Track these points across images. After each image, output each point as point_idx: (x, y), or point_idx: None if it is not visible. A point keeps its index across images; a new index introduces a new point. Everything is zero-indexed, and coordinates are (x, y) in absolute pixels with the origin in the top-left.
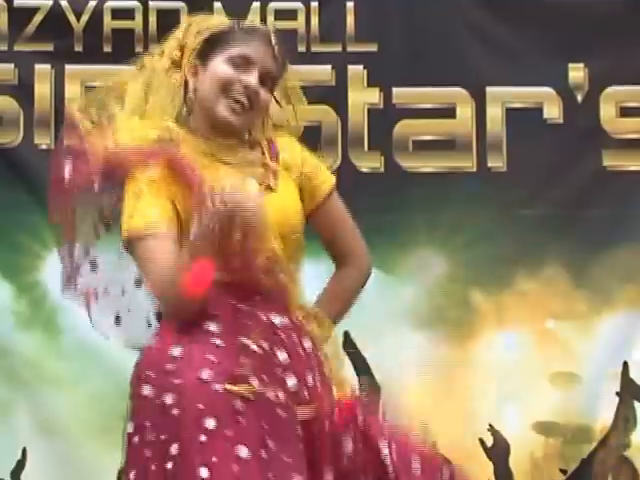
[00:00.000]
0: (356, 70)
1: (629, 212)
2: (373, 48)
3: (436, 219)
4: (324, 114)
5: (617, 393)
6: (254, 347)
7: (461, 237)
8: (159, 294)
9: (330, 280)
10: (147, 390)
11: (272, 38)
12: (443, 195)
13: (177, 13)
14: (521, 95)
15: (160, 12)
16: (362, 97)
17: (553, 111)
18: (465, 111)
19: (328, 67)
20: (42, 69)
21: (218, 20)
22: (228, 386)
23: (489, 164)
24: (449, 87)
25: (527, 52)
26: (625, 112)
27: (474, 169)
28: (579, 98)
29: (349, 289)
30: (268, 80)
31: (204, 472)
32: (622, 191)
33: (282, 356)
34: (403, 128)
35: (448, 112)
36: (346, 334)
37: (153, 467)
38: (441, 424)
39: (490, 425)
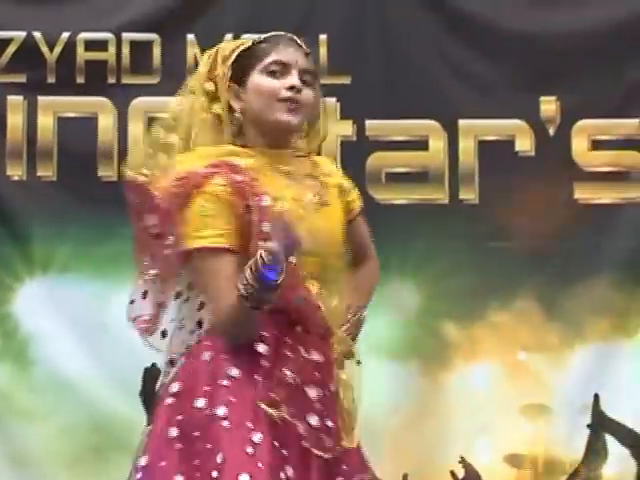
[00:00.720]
0: (329, 102)
1: (600, 245)
2: (346, 80)
3: (408, 251)
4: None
5: (588, 425)
6: (289, 379)
7: (433, 269)
8: (220, 320)
9: (355, 277)
10: (201, 402)
11: (298, 40)
12: (415, 227)
13: (150, 45)
14: (493, 128)
15: (133, 44)
16: (335, 129)
17: (525, 144)
18: (438, 143)
19: None
20: (14, 100)
21: (237, 42)
22: (263, 405)
23: (461, 196)
24: (422, 120)
25: (499, 85)
26: (596, 145)
27: (446, 201)
28: (551, 131)
29: (372, 281)
30: (308, 78)
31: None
32: (593, 224)
33: (312, 393)
34: (376, 160)
35: (421, 144)
36: None
37: (198, 474)
38: (413, 455)
39: (461, 457)
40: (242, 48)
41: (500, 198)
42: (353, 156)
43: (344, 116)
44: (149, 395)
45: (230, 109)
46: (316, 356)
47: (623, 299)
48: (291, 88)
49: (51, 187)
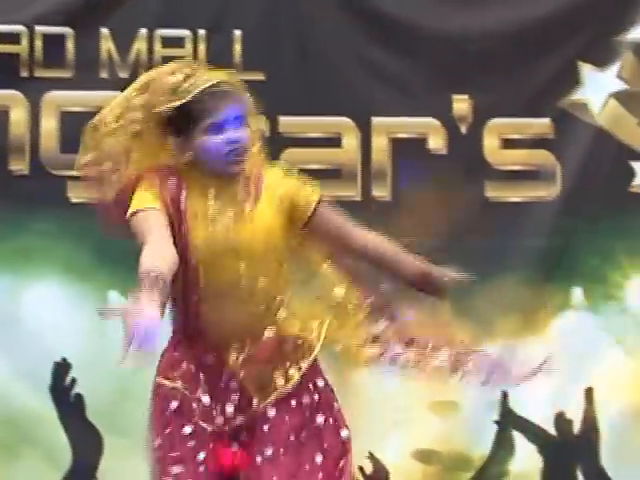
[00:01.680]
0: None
1: (510, 243)
2: (260, 77)
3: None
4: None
5: (496, 422)
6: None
7: None
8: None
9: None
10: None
11: (233, 89)
12: None
13: (63, 38)
14: (406, 126)
15: (46, 37)
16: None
17: (437, 142)
18: (351, 141)
19: None
20: None
21: (174, 86)
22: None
23: (374, 193)
24: (335, 117)
25: (413, 83)
26: (508, 144)
27: (359, 198)
28: (463, 129)
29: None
30: (243, 122)
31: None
32: (503, 222)
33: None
34: (289, 157)
35: (334, 142)
36: None
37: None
38: None
39: (370, 453)
40: (180, 102)
41: (412, 196)
42: (266, 152)
43: (258, 112)
44: (59, 390)
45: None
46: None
47: (532, 297)
48: (230, 142)
49: None
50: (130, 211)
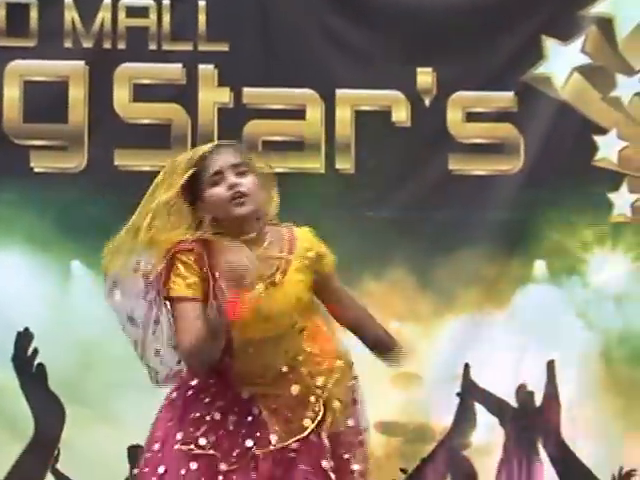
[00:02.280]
0: (207, 69)
1: (473, 216)
2: (224, 48)
3: (282, 219)
4: (174, 113)
5: (458, 394)
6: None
7: None
8: (183, 354)
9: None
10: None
11: (228, 145)
12: (290, 196)
13: (27, 7)
14: (370, 98)
15: (9, 5)
16: (212, 96)
17: (401, 115)
18: (315, 113)
19: (179, 66)
20: None
21: (186, 165)
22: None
23: (337, 166)
24: (299, 89)
25: (377, 56)
26: (471, 117)
27: (322, 170)
28: (427, 102)
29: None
30: (242, 169)
31: None
32: (466, 195)
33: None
34: (253, 128)
35: (298, 113)
36: None
37: None
38: None
39: None
40: (190, 174)
41: (375, 168)
42: (230, 123)
43: (221, 83)
44: (21, 360)
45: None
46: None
47: (495, 270)
48: (230, 187)
49: None
50: (172, 293)
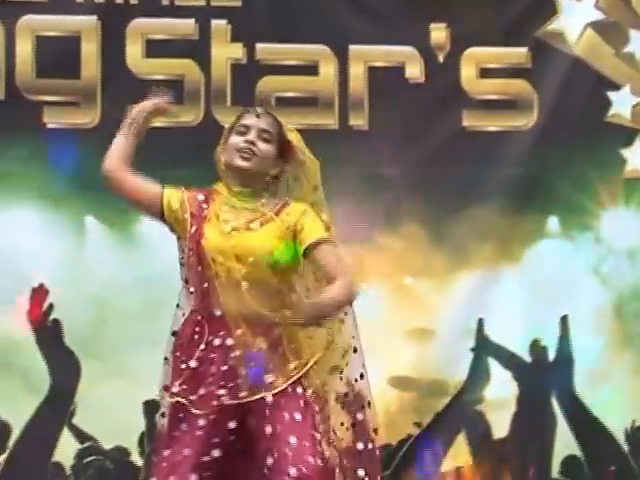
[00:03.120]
0: (220, 25)
1: (486, 172)
2: (237, 3)
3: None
4: (187, 68)
5: (472, 349)
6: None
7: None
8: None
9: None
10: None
11: (265, 111)
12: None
13: None
14: (384, 54)
15: None
16: (225, 52)
17: (415, 71)
18: (328, 69)
19: (191, 21)
20: None
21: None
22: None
23: (351, 122)
24: (313, 44)
25: (391, 12)
26: (485, 73)
27: (336, 127)
28: (440, 58)
29: (329, 295)
30: (266, 136)
31: None
32: (480, 151)
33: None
34: (266, 84)
35: (311, 69)
36: None
37: None
38: None
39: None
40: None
41: (389, 124)
42: (243, 79)
43: (235, 39)
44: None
45: None
46: (217, 341)
47: (508, 226)
48: (246, 141)
49: None
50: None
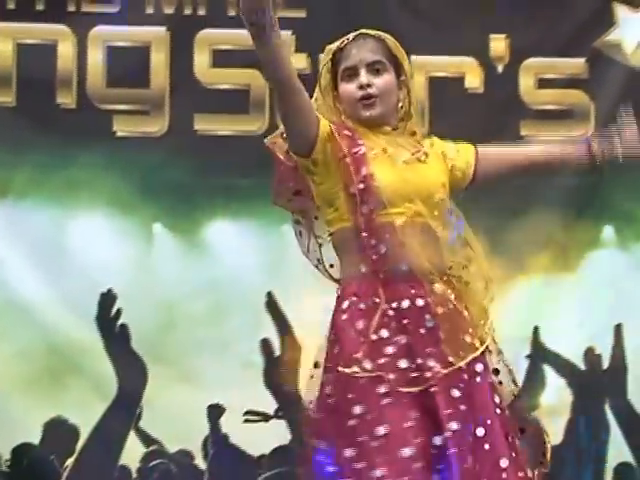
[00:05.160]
0: (284, 35)
1: (543, 181)
2: (302, 14)
3: None
4: (253, 78)
5: (527, 356)
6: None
7: None
8: None
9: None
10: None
11: (370, 36)
12: None
13: None
14: (444, 64)
15: None
16: None
17: (474, 81)
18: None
19: None
20: None
21: (329, 49)
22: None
23: None
24: None
25: (450, 22)
26: (543, 83)
27: None
28: (499, 69)
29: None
30: (378, 66)
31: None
32: None
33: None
34: None
35: None
36: (269, 294)
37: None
38: None
39: None
40: (331, 55)
41: (449, 134)
42: (307, 89)
43: (299, 49)
44: (105, 320)
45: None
46: (405, 303)
47: (565, 234)
48: (360, 87)
49: (10, 113)
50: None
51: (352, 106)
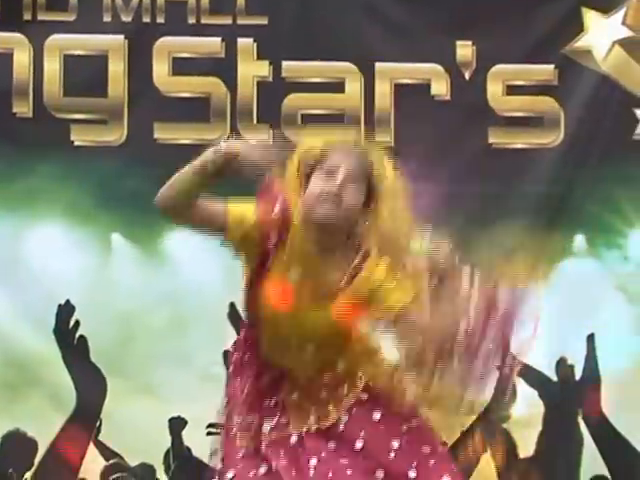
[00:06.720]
0: (246, 43)
1: (513, 190)
2: (263, 21)
3: None
4: (213, 86)
5: (498, 367)
6: None
7: None
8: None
9: None
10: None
11: (353, 150)
12: None
13: None
14: (410, 71)
15: None
16: (251, 70)
17: (441, 88)
18: (354, 86)
19: (218, 39)
20: None
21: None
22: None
23: (377, 139)
24: (338, 62)
25: (416, 29)
26: (512, 90)
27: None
28: (466, 75)
29: None
30: (353, 182)
31: None
32: (506, 169)
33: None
34: (292, 102)
35: (337, 87)
36: (232, 305)
37: None
38: None
39: None
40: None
41: (415, 142)
42: (269, 97)
43: (260, 56)
44: (63, 332)
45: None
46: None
47: (534, 244)
48: (325, 192)
49: None
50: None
51: (306, 207)
